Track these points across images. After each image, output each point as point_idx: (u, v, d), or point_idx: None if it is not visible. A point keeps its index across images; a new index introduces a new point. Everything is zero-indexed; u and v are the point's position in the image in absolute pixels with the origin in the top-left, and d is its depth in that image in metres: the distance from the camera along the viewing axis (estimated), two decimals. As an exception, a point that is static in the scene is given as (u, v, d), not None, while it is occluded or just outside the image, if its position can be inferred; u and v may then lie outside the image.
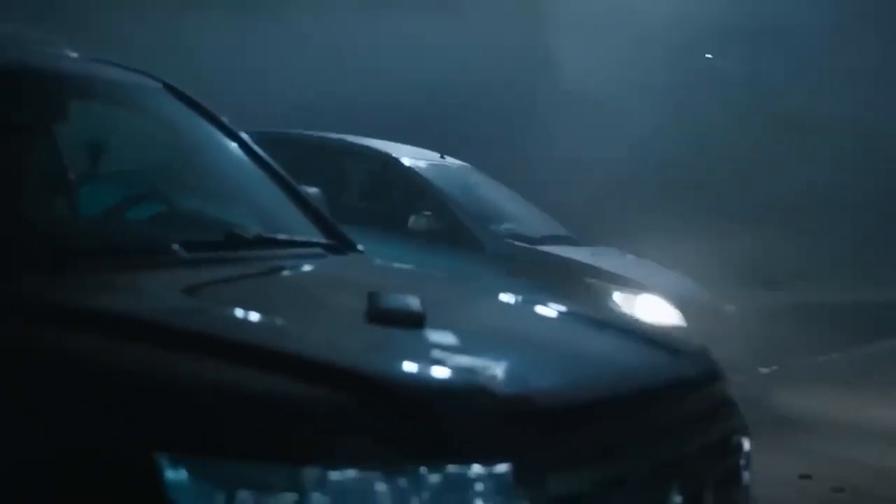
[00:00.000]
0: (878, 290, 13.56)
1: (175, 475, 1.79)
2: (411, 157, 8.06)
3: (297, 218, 3.30)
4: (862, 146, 16.61)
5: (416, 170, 7.80)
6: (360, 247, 3.32)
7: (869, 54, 17.05)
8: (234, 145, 3.47)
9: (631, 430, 2.21)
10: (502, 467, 1.90)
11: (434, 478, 1.86)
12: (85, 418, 1.86)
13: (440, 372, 2.08)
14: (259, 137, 7.89)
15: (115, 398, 1.88)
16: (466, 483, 1.88)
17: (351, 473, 1.83)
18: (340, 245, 3.28)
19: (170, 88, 3.44)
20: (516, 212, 8.29)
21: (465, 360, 2.20)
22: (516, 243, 7.37)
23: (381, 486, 1.84)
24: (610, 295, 6.85)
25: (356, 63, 15.07)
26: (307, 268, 3.09)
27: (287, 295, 2.76)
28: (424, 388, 2.01)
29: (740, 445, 2.58)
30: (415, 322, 2.34)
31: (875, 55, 17.11)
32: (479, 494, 1.88)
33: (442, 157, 8.30)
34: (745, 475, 2.59)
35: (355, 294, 2.54)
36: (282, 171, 3.46)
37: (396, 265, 3.45)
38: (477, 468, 1.89)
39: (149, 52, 8.60)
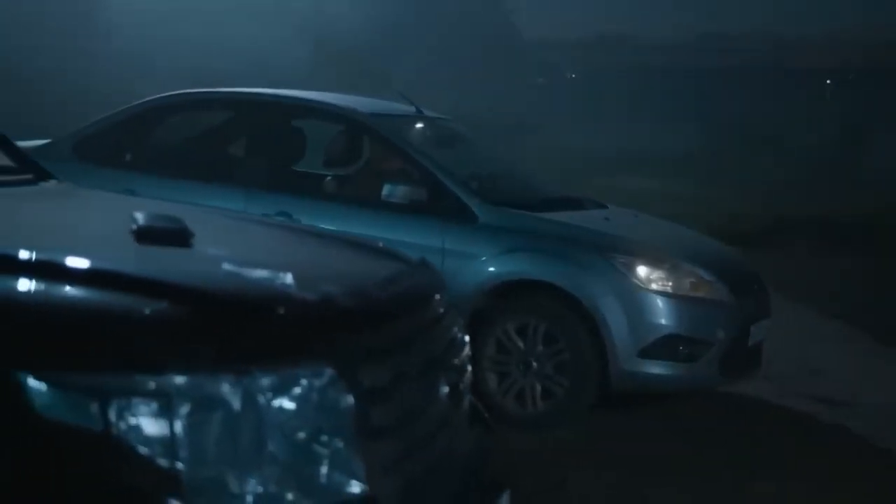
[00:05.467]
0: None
1: (41, 390, 1.85)
2: (380, 112, 6.83)
3: None
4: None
5: (388, 128, 6.57)
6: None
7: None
8: None
9: (407, 330, 2.50)
10: (327, 364, 2.11)
11: (271, 379, 2.04)
12: None
13: (257, 283, 2.24)
14: (195, 98, 7.06)
15: None
16: (299, 381, 2.07)
17: (203, 378, 1.98)
18: (36, 173, 3.29)
19: None
20: (507, 172, 7.25)
21: (260, 273, 2.36)
22: (513, 211, 6.21)
23: (226, 388, 1.99)
24: (634, 270, 5.85)
25: None
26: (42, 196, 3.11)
27: (58, 220, 2.82)
28: (254, 298, 2.19)
29: (465, 342, 2.93)
30: (183, 239, 2.45)
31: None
32: (312, 390, 2.08)
33: (418, 110, 7.06)
34: (470, 367, 2.95)
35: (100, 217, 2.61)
36: None
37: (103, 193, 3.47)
38: (308, 367, 2.09)
39: None
